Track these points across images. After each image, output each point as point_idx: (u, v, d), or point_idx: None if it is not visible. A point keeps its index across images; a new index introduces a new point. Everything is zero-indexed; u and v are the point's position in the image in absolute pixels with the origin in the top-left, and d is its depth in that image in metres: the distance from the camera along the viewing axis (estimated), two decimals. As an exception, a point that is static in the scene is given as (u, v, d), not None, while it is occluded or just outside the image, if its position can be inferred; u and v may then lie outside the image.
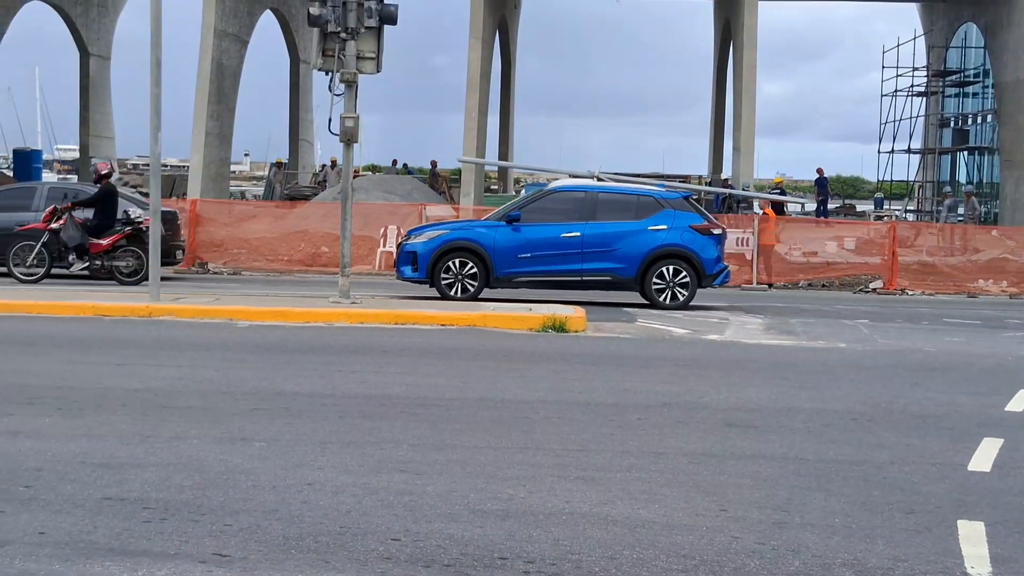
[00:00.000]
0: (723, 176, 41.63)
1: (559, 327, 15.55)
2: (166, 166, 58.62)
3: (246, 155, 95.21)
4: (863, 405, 10.51)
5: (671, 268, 19.73)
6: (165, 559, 5.61)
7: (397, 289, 21.39)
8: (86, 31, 51.67)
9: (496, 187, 52.73)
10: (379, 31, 17.13)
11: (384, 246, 26.63)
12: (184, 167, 52.41)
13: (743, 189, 32.15)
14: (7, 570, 5.38)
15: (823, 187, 40.18)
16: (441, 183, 42.81)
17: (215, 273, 25.69)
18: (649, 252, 19.70)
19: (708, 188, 35.69)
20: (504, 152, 51.93)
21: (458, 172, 40.89)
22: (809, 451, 8.50)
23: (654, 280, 19.73)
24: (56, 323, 15.03)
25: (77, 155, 58.14)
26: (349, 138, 17.36)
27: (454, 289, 19.70)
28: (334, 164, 41.19)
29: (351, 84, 17.21)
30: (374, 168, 50.65)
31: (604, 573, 5.64)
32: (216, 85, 36.46)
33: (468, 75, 36.01)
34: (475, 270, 19.76)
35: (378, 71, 17.32)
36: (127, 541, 5.88)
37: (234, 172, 58.16)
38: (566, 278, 19.97)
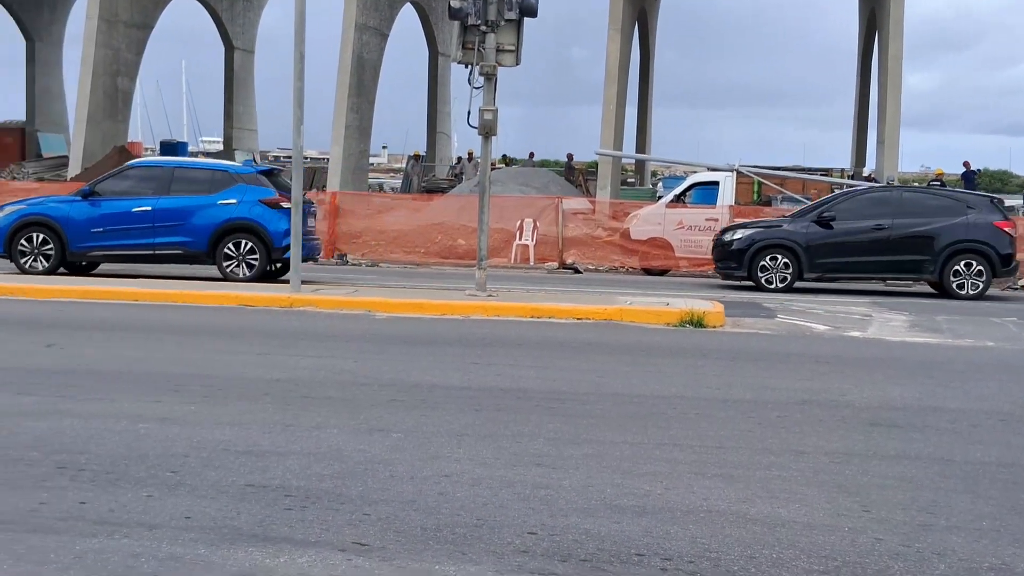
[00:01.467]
0: (865, 171, 40.78)
1: (697, 322, 15.41)
2: (306, 158, 59.67)
3: (384, 148, 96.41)
4: (1012, 406, 10.20)
5: (241, 242, 20.00)
6: (306, 546, 5.70)
7: (533, 283, 21.44)
8: (231, 25, 52.86)
9: (633, 180, 52.49)
10: (519, 24, 17.16)
11: (520, 239, 26.70)
12: (323, 159, 53.29)
13: (888, 183, 31.51)
14: (156, 553, 5.52)
15: (970, 181, 39.14)
16: (577, 176, 42.80)
17: (354, 264, 26.06)
18: (218, 226, 20.06)
19: (850, 182, 35.00)
20: (642, 144, 51.71)
21: (594, 165, 40.79)
22: (956, 452, 8.27)
23: (225, 253, 20.02)
24: (201, 312, 15.41)
25: (221, 147, 59.52)
26: (488, 131, 17.43)
27: (27, 262, 20.27)
28: (471, 157, 41.46)
29: (490, 77, 17.27)
30: (507, 160, 50.87)
31: (743, 572, 5.56)
32: (356, 78, 36.97)
33: (606, 66, 35.92)
34: (51, 245, 20.23)
35: (517, 64, 17.36)
36: (269, 528, 5.98)
37: (372, 164, 58.90)
38: (139, 251, 20.42)
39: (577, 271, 25.52)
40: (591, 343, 13.55)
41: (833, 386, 10.95)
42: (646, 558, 5.72)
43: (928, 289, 23.34)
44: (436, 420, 8.80)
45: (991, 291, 22.53)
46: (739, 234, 22.50)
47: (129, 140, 43.84)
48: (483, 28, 16.99)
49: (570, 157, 44.72)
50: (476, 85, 17.36)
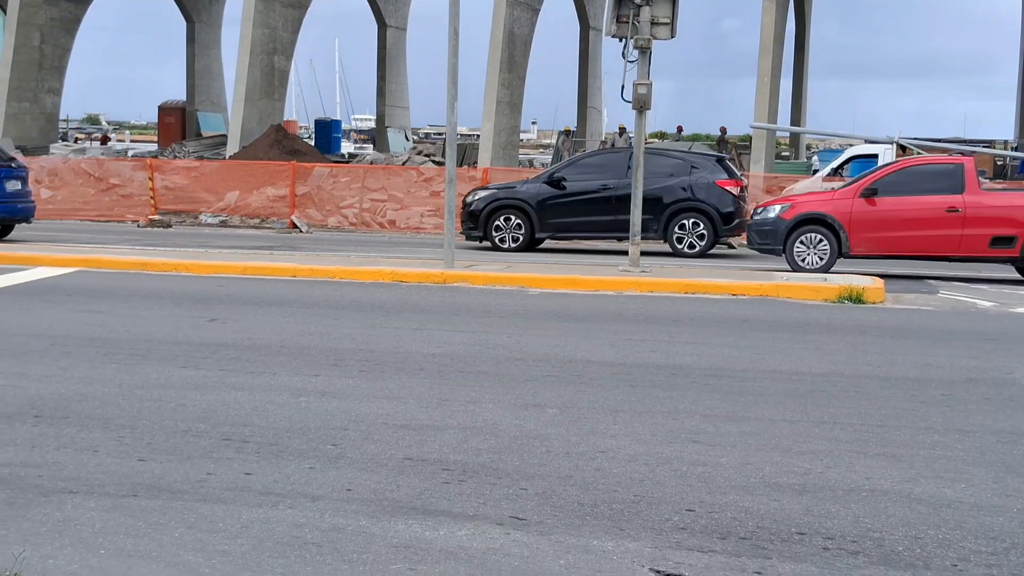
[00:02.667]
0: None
1: (856, 298, 15.09)
2: (457, 135, 60.12)
3: (533, 123, 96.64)
4: None
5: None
6: (464, 520, 5.76)
7: (684, 259, 21.25)
8: (384, 4, 53.45)
9: (787, 153, 51.63)
10: (673, -4, 16.97)
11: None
12: (473, 135, 53.63)
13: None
14: (319, 524, 5.64)
15: None
16: (730, 149, 42.27)
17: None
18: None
19: (1013, 154, 33.86)
20: (796, 117, 50.81)
21: (748, 139, 40.22)
22: None
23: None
24: (357, 288, 15.66)
25: (373, 124, 60.33)
26: (642, 105, 17.31)
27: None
28: (622, 132, 41.26)
29: (644, 50, 17.14)
30: (661, 135, 50.51)
31: (908, 553, 5.44)
32: (507, 54, 37.08)
33: (761, 38, 35.36)
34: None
35: (672, 36, 17.18)
36: (428, 501, 6.06)
37: (522, 140, 59.11)
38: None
39: (731, 247, 25.23)
40: (747, 319, 13.38)
41: (999, 364, 10.62)
42: (807, 537, 5.63)
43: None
44: (591, 396, 8.80)
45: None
46: (479, 195, 23.56)
47: (285, 119, 44.73)
48: (637, 1, 16.86)
49: (723, 131, 44.17)
50: (630, 59, 17.25)
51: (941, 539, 5.64)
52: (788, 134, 52.34)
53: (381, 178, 29.83)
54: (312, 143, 49.52)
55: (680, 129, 49.46)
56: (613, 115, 62.94)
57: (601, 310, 13.89)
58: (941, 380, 9.74)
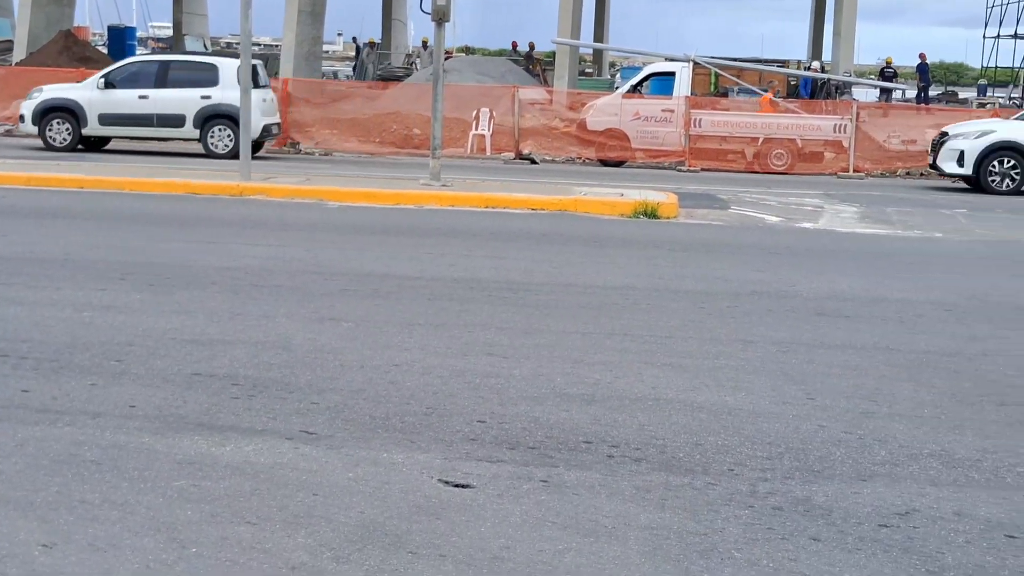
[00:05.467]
0: (819, 62, 40.63)
1: (651, 213, 15.40)
2: (259, 44, 58.64)
3: (339, 35, 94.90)
4: (957, 296, 10.30)
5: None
6: (253, 435, 5.69)
7: (489, 173, 21.32)
8: (180, -97, 51.44)
9: (591, 70, 52.05)
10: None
11: (476, 129, 26.44)
12: (275, 46, 52.42)
13: (844, 73, 31.48)
14: (99, 441, 5.49)
15: (925, 73, 39.13)
16: (535, 66, 42.35)
17: (307, 153, 25.78)
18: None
19: (804, 73, 34.88)
20: (600, 35, 51.19)
21: (552, 55, 40.37)
22: (900, 341, 8.35)
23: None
24: (148, 200, 15.22)
25: (171, 32, 58.43)
26: (441, 17, 17.17)
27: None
28: (425, 45, 40.93)
29: (443, -38, 16.96)
30: (467, 49, 50.21)
31: (688, 459, 5.61)
32: (309, -38, 36.22)
33: (563, -46, 35.37)
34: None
35: (471, -51, 17.03)
36: (216, 416, 5.97)
37: (327, 52, 58.06)
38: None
39: (533, 162, 25.37)
40: (545, 234, 13.52)
41: (783, 277, 11.01)
42: (594, 445, 5.75)
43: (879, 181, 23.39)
44: (388, 309, 8.77)
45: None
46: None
47: (76, 24, 42.85)
48: (437, -89, 16.63)
49: (531, 46, 44.18)
50: (429, -31, 17.06)
51: (720, 445, 5.84)
52: (591, 51, 52.75)
53: (177, 88, 28.87)
54: (105, 51, 47.60)
55: (515, 45, 48.71)
56: (419, 28, 62.19)
57: (401, 224, 13.84)
58: (728, 293, 10.04)
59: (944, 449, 5.90)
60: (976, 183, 21.31)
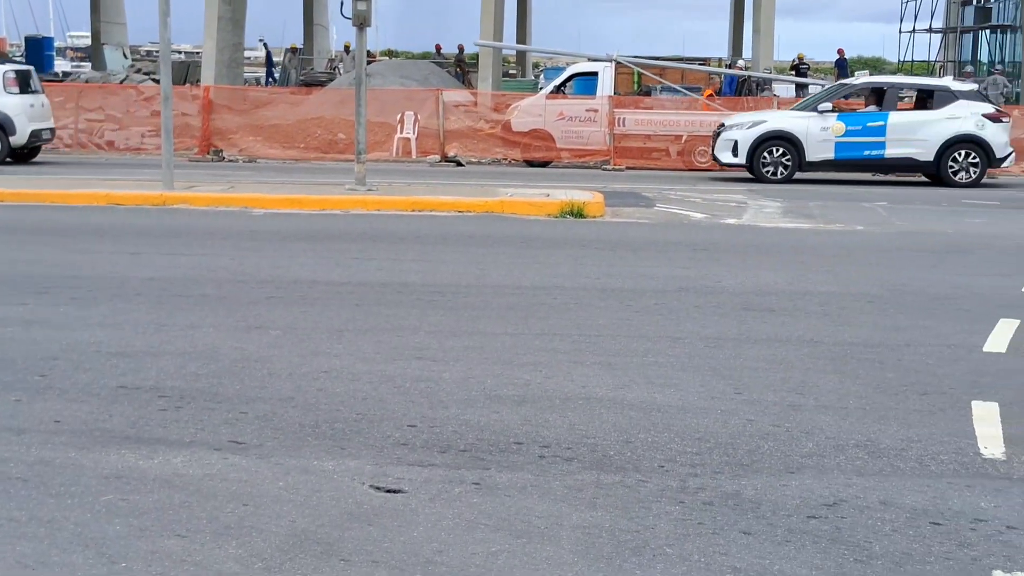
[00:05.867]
0: (742, 60, 41.01)
1: (577, 213, 15.46)
2: (179, 52, 58.09)
3: (261, 40, 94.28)
4: (879, 288, 10.45)
5: None
6: (181, 446, 5.64)
7: (415, 176, 21.28)
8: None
9: (515, 71, 52.13)
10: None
11: (401, 132, 26.37)
12: (198, 53, 51.92)
13: (764, 70, 31.80)
14: (24, 458, 5.41)
15: (843, 69, 39.58)
16: (462, 68, 42.36)
17: (230, 161, 25.55)
18: None
19: (727, 71, 35.20)
20: (522, 36, 51.30)
21: (475, 57, 40.38)
22: (825, 334, 8.47)
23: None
24: (69, 212, 15.01)
25: (89, 42, 57.65)
26: (362, 21, 17.12)
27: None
28: (347, 49, 40.77)
29: (363, -34, 16.91)
30: (391, 53, 50.09)
31: (619, 456, 5.65)
32: (228, -32, 35.92)
33: (483, -44, 35.40)
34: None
35: (390, -48, 17.01)
36: (143, 429, 5.91)
37: (249, 58, 57.59)
38: None
39: (459, 164, 25.35)
40: (473, 236, 13.52)
41: (709, 273, 11.10)
42: (524, 446, 5.77)
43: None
44: (315, 316, 8.73)
45: None
46: None
47: (-8, 35, 42.15)
48: (355, -85, 16.59)
49: (461, 49, 44.16)
50: (349, -26, 17.01)
51: (651, 442, 5.88)
52: (515, 52, 52.84)
53: (98, 97, 28.52)
54: (23, 62, 46.90)
55: (438, 48, 48.43)
56: (341, 32, 61.86)
57: (327, 229, 13.77)
58: (655, 290, 10.11)
59: (869, 440, 5.99)
60: (752, 170, 21.71)
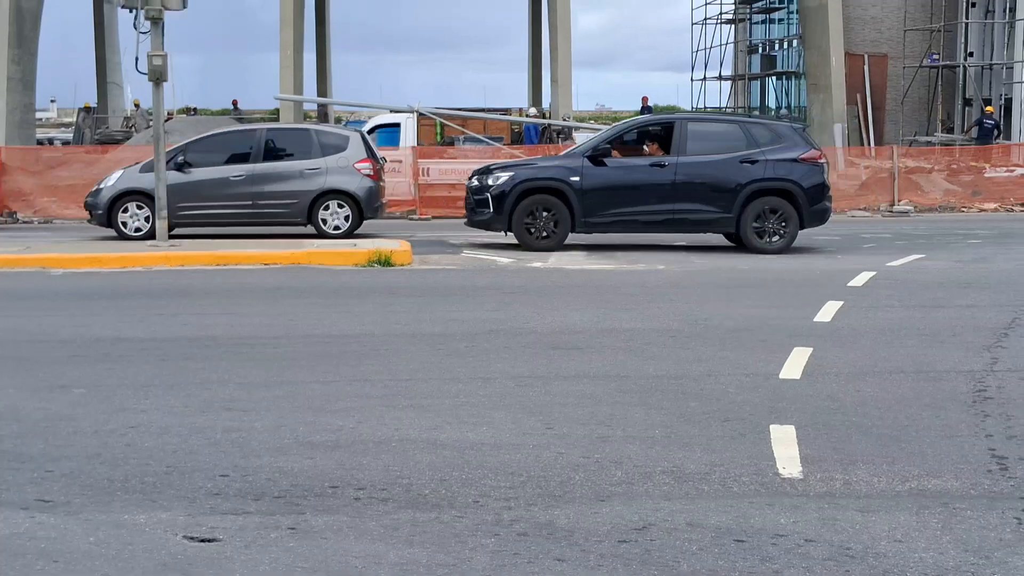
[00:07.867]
0: (536, 109, 41.76)
1: (385, 261, 15.53)
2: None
3: (52, 101, 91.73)
4: (681, 322, 10.81)
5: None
6: (-16, 508, 5.48)
7: (217, 230, 21.00)
8: None
9: (316, 125, 51.98)
10: (185, -34, 16.70)
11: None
12: (-14, 115, 50.21)
13: (563, 119, 32.52)
14: None
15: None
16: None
17: (25, 223, 24.82)
18: None
19: (527, 120, 35.86)
20: (323, 90, 51.24)
21: (276, 112, 40.19)
22: (630, 368, 8.72)
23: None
24: None
25: None
26: (158, 77, 16.92)
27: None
28: (137, 106, 40.20)
29: (157, 21, 16.78)
30: (189, 110, 49.36)
31: (434, 495, 5.72)
32: (16, 28, 35.01)
33: (281, 11, 35.39)
34: None
35: (184, 7, 16.92)
36: (-57, 493, 5.71)
37: (41, 120, 56.01)
38: None
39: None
40: (280, 287, 13.45)
41: (517, 314, 11.30)
42: (340, 489, 5.79)
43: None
44: (120, 373, 8.57)
45: None
46: None
47: None
48: (146, -30, 16.45)
49: (235, 104, 43.96)
50: (143, 30, 16.88)
51: (465, 479, 5.97)
52: (316, 107, 52.74)
53: None
54: None
55: (235, 103, 47.94)
56: (136, 90, 60.72)
57: (129, 286, 13.50)
58: (465, 333, 10.24)
59: (675, 466, 6.20)
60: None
